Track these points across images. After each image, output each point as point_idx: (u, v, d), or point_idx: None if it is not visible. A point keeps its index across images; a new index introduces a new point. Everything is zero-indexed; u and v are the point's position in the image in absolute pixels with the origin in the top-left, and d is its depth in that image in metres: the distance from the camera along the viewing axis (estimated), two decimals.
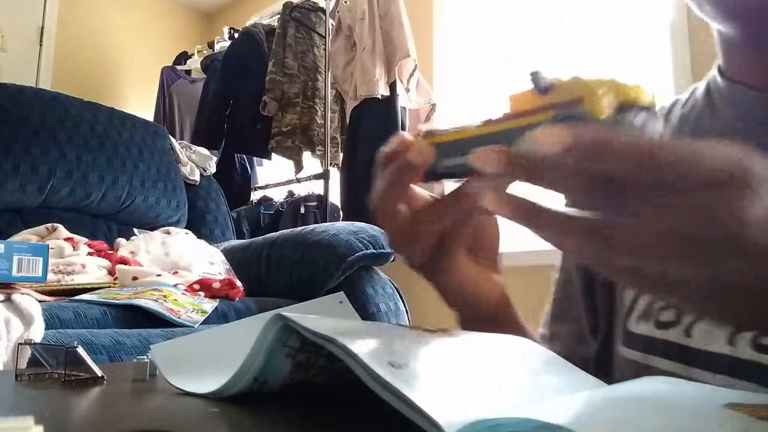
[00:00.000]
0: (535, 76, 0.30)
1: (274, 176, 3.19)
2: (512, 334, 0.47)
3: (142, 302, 1.21)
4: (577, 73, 0.29)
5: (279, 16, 2.95)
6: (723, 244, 0.24)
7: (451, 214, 0.39)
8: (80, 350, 0.43)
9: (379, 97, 2.55)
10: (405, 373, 0.25)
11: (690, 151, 0.25)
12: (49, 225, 1.58)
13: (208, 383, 0.33)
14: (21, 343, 0.44)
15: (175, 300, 1.28)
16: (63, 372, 0.42)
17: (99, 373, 0.42)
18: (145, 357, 0.43)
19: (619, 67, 2.35)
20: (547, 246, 0.28)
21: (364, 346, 0.26)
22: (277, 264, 1.69)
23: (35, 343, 0.44)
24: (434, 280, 0.44)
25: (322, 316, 0.32)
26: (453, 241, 0.42)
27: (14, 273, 1.25)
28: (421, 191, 0.43)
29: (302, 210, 2.79)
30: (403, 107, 2.66)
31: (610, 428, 0.20)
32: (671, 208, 0.24)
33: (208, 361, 0.41)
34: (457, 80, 2.96)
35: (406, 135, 0.39)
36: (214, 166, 2.33)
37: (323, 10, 2.91)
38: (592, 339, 0.55)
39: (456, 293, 0.45)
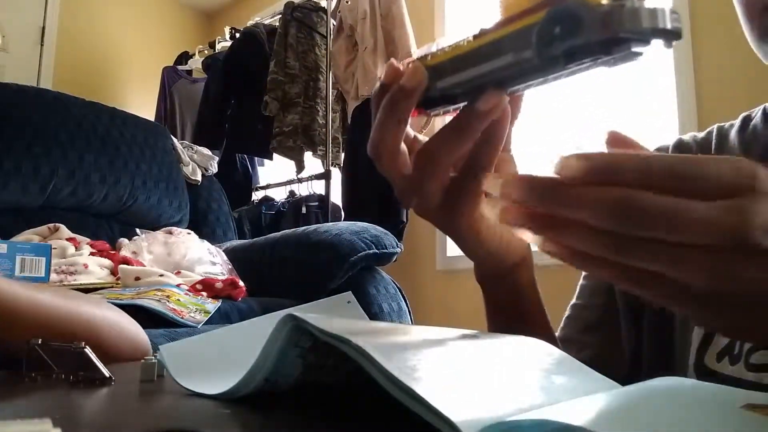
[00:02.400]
0: None
1: (275, 176, 3.19)
2: (529, 295, 0.45)
3: (145, 302, 1.21)
4: None
5: (280, 16, 2.95)
6: None
7: (465, 137, 0.33)
8: (87, 351, 0.42)
9: None
10: (420, 374, 0.24)
11: (699, 161, 0.25)
12: (51, 225, 1.58)
13: (218, 384, 0.33)
14: (28, 344, 0.44)
15: (178, 300, 1.28)
16: (71, 373, 0.42)
17: (107, 373, 0.41)
18: (153, 357, 0.43)
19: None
20: None
21: (377, 347, 0.26)
22: (280, 264, 1.69)
23: (41, 344, 0.44)
24: (451, 227, 0.39)
25: (333, 316, 0.32)
26: (471, 178, 0.36)
27: (17, 273, 1.25)
28: (421, 137, 0.38)
29: (304, 210, 2.79)
30: None
31: (628, 429, 0.20)
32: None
33: (216, 362, 0.41)
34: None
35: (396, 62, 0.34)
36: (216, 166, 2.33)
37: (325, 10, 2.91)
38: (631, 360, 0.53)
39: (475, 239, 0.40)
